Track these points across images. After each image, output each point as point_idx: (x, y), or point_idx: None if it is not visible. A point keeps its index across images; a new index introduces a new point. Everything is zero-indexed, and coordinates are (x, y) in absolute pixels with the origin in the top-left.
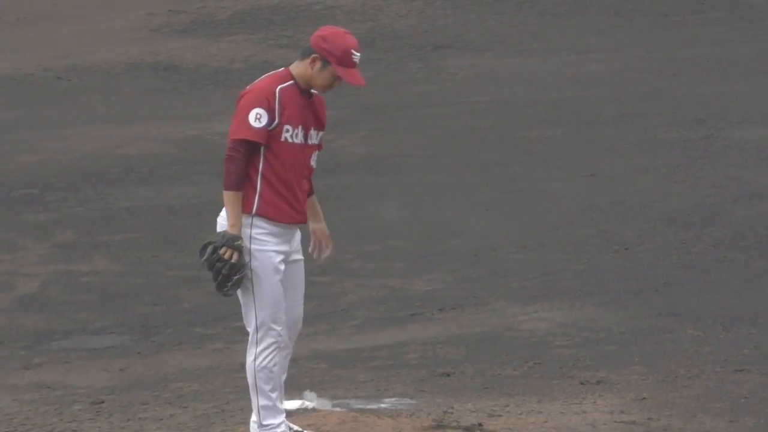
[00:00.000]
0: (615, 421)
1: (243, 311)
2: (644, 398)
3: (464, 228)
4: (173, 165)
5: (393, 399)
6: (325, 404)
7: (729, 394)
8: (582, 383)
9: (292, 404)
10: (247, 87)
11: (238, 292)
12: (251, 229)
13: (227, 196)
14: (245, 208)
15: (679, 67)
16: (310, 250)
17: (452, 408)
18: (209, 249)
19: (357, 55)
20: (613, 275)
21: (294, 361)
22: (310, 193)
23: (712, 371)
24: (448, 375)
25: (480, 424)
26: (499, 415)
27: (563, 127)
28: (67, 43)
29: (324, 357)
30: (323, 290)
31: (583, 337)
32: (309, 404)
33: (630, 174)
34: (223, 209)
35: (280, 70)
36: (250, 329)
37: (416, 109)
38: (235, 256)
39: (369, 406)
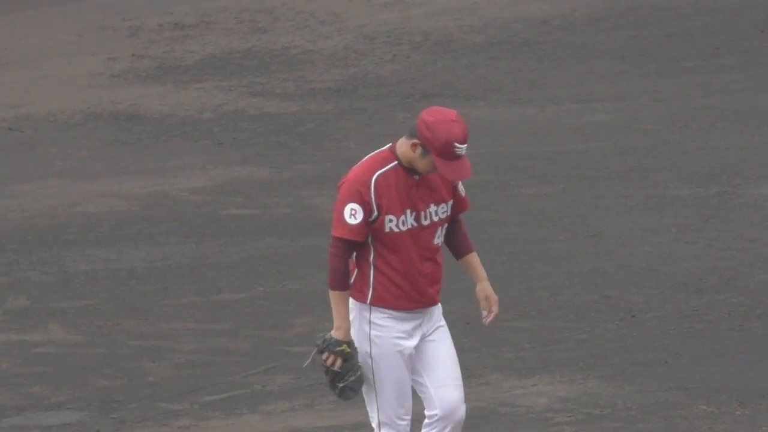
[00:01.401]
0: None
1: (366, 401)
2: None
3: (455, 293)
4: (136, 224)
5: None
6: None
7: None
8: None
9: None
10: (347, 173)
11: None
12: (370, 313)
13: (331, 296)
14: (360, 297)
15: (690, 118)
16: (483, 316)
17: None
18: (314, 350)
19: (461, 148)
20: (619, 345)
21: None
22: (467, 251)
23: None
24: None
25: None
26: None
27: (564, 182)
28: (19, 90)
29: None
30: (300, 361)
31: (585, 413)
32: None
33: (637, 234)
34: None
35: (384, 148)
36: (373, 423)
37: None
38: (338, 363)
39: None
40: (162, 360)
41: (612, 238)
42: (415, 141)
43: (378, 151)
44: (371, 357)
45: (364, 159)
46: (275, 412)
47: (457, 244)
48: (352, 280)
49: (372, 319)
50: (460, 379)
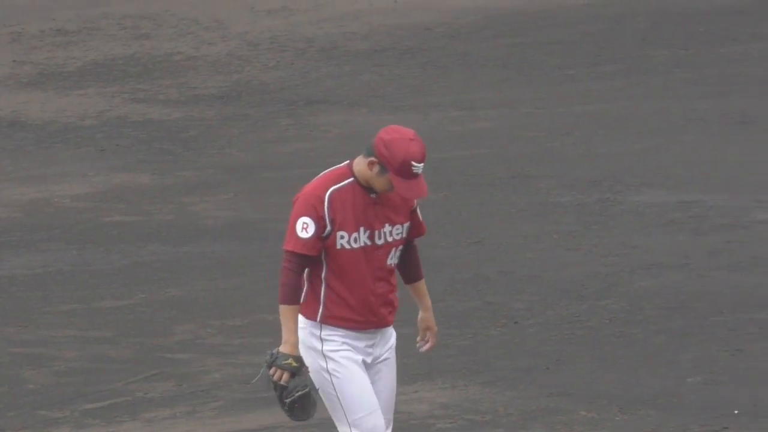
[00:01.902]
0: None
1: (335, 421)
2: None
3: None
4: (16, 231)
5: None
6: None
7: None
8: None
9: None
10: (302, 188)
11: (325, 401)
12: (321, 330)
13: (281, 310)
14: (310, 315)
15: (572, 125)
16: (417, 340)
17: None
18: (263, 367)
19: (418, 167)
20: (501, 352)
21: None
22: (417, 278)
23: None
24: None
25: None
26: None
27: (447, 189)
28: None
29: None
30: (182, 369)
31: (467, 419)
32: None
33: (519, 241)
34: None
35: (341, 165)
36: None
37: (286, 170)
38: (284, 378)
39: None
40: (42, 367)
41: (494, 245)
42: (372, 159)
43: (335, 167)
44: (329, 372)
45: (320, 174)
46: (156, 420)
47: (408, 269)
48: (302, 297)
49: (323, 336)
50: (392, 411)
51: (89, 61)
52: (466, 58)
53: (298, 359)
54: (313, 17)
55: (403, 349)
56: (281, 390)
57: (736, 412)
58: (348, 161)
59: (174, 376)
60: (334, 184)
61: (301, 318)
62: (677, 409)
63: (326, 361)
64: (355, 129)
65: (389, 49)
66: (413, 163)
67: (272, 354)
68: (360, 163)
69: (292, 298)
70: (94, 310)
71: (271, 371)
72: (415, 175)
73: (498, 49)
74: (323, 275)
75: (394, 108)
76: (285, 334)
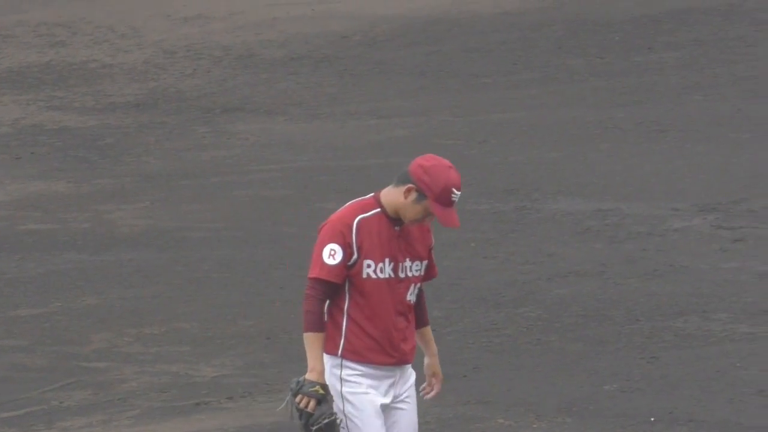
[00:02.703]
0: None
1: None
2: None
3: (256, 308)
4: None
5: None
6: None
7: None
8: None
9: None
10: (329, 217)
11: None
12: (341, 370)
13: (305, 338)
14: (331, 349)
15: (488, 133)
16: (421, 387)
17: None
18: (289, 395)
19: (457, 194)
20: (418, 360)
21: None
22: (424, 324)
23: None
24: None
25: None
26: None
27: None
28: None
29: None
30: (98, 377)
31: None
32: None
33: (437, 248)
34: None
35: (368, 196)
36: None
37: (203, 178)
38: (311, 405)
39: None
40: None
41: None
42: (410, 186)
43: (360, 198)
44: (345, 414)
45: (345, 205)
46: (72, 429)
47: (416, 314)
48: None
49: (343, 376)
50: None
51: (4, 69)
52: (382, 66)
53: (325, 387)
54: (229, 25)
55: None
56: (307, 417)
57: (652, 419)
58: (373, 193)
59: (90, 384)
60: (362, 213)
61: None
62: (594, 416)
63: (344, 404)
64: (272, 137)
65: (306, 57)
66: (453, 190)
67: (298, 382)
68: (390, 193)
69: (317, 325)
70: (10, 319)
71: (297, 398)
72: (452, 203)
73: (414, 57)
74: (345, 308)
75: (311, 116)
76: (311, 362)
